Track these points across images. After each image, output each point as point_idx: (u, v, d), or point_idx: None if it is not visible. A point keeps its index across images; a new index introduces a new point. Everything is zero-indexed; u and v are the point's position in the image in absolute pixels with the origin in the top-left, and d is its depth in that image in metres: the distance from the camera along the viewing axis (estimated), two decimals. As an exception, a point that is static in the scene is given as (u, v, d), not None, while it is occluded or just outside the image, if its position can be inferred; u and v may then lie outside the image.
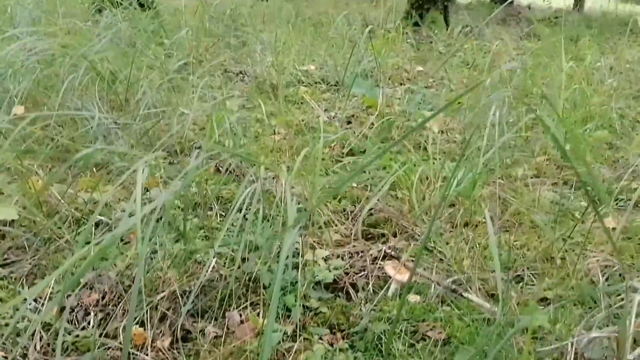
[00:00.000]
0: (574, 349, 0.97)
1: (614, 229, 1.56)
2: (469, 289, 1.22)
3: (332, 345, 1.10)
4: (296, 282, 1.20)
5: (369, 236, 1.54)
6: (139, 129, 2.11)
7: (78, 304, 1.32)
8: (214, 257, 1.23)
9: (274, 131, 2.33)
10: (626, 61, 4.38)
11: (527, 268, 1.36)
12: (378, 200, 1.62)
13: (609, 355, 0.99)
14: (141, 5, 4.46)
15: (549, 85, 3.10)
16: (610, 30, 5.70)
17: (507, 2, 10.27)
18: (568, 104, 2.65)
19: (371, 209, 1.63)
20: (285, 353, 1.08)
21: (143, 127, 2.12)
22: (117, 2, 3.87)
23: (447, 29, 5.78)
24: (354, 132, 2.53)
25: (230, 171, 1.93)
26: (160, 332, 1.17)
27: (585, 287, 1.22)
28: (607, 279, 1.33)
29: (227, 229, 1.41)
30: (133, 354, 1.11)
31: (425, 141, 2.37)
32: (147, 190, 1.79)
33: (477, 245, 1.44)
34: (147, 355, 1.10)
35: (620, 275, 1.34)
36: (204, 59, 3.70)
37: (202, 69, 3.41)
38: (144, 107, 2.23)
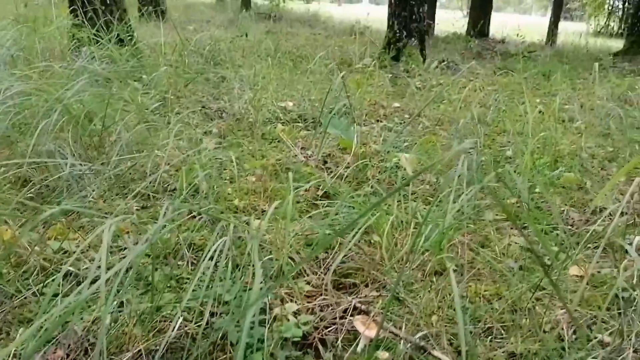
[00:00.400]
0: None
1: (581, 277, 1.58)
2: (438, 345, 1.22)
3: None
4: (265, 339, 1.19)
5: (340, 286, 1.54)
6: (113, 174, 2.10)
7: (43, 361, 1.29)
8: (181, 315, 1.22)
9: (248, 175, 2.34)
10: (597, 97, 4.50)
11: (497, 320, 1.37)
12: (350, 249, 1.62)
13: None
14: (121, 41, 4.49)
15: (521, 123, 3.17)
16: (582, 65, 5.86)
17: (483, 36, 10.54)
18: (539, 144, 2.70)
19: (344, 255, 1.64)
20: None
21: (117, 172, 2.11)
22: (94, 39, 3.88)
23: (423, 63, 5.90)
24: (330, 173, 2.55)
25: (203, 217, 1.93)
26: (125, 394, 1.15)
27: (552, 342, 1.23)
28: (574, 332, 1.34)
29: (198, 279, 1.40)
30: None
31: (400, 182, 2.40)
32: (118, 237, 1.77)
33: (448, 295, 1.45)
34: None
35: (588, 327, 1.36)
36: (183, 95, 3.72)
37: (179, 106, 3.42)
38: (119, 149, 2.23)
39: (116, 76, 3.17)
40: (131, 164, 2.23)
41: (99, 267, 1.04)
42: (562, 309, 1.38)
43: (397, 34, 6.18)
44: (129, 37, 4.63)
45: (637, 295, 1.30)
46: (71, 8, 4.85)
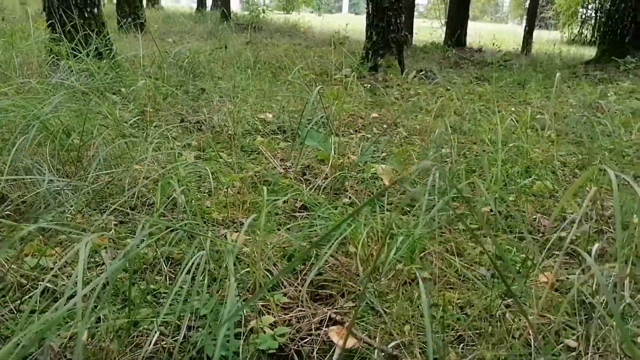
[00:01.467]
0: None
1: (551, 284, 1.63)
2: (411, 354, 1.26)
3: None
4: (240, 352, 1.22)
5: (317, 297, 1.57)
6: (91, 190, 2.10)
7: (19, 379, 1.30)
8: (157, 331, 1.24)
9: (226, 188, 2.36)
10: (570, 105, 4.61)
11: (468, 328, 1.41)
12: (327, 260, 1.66)
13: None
14: (99, 54, 4.49)
15: (495, 132, 3.24)
16: (556, 73, 5.98)
17: (460, 45, 10.72)
18: (511, 153, 2.77)
19: (320, 266, 1.67)
20: None
21: (95, 188, 2.12)
22: (72, 53, 3.88)
23: (401, 73, 5.98)
24: (309, 184, 2.58)
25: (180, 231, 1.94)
26: (103, 409, 1.16)
27: (520, 348, 1.27)
28: (544, 337, 1.39)
29: (175, 293, 1.41)
30: None
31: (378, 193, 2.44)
32: (96, 252, 1.78)
33: (422, 304, 1.48)
34: None
35: (555, 333, 1.40)
36: (162, 108, 3.73)
37: (158, 119, 3.43)
38: (97, 164, 2.24)
39: (94, 90, 3.17)
40: (109, 178, 2.24)
41: (76, 283, 1.05)
42: (530, 315, 1.43)
43: (375, 45, 6.26)
44: (108, 51, 4.63)
45: (602, 301, 1.34)
46: (49, 22, 4.84)
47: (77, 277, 1.06)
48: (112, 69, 4.08)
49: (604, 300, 1.42)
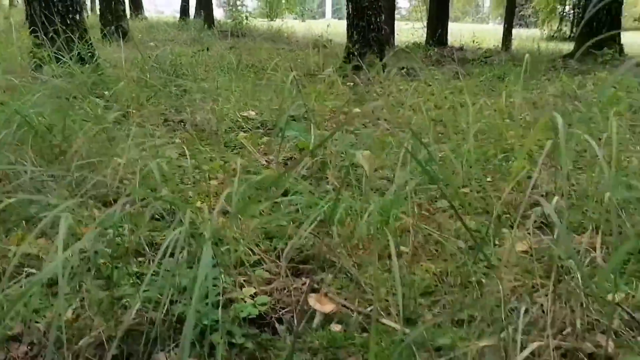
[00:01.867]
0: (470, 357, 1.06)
1: (525, 252, 1.68)
2: (388, 315, 1.30)
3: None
4: (222, 320, 1.25)
5: (298, 272, 1.60)
6: (73, 180, 2.12)
7: (6, 357, 1.32)
8: (139, 301, 1.26)
9: (208, 177, 2.39)
10: (548, 95, 4.69)
11: (446, 293, 1.45)
12: (306, 237, 1.69)
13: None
14: (82, 59, 4.50)
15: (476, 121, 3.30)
16: (535, 67, 6.09)
17: (442, 44, 10.84)
18: (489, 138, 2.83)
19: (301, 246, 1.71)
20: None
21: (77, 179, 2.14)
22: (55, 57, 3.90)
23: (383, 71, 6.05)
24: (291, 173, 2.62)
25: (163, 217, 1.98)
26: (87, 379, 1.18)
27: (492, 306, 1.32)
28: (517, 298, 1.43)
29: (157, 273, 1.44)
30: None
31: (357, 180, 2.48)
32: (79, 239, 1.80)
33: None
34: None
35: (529, 294, 1.45)
36: (145, 108, 3.75)
37: (142, 119, 3.45)
38: (79, 159, 2.26)
39: (77, 90, 3.19)
40: (91, 170, 2.26)
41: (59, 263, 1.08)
42: (508, 280, 1.47)
43: (357, 44, 6.33)
44: (90, 55, 4.65)
45: (572, 264, 1.40)
46: (31, 28, 4.85)
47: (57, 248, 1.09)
48: (94, 72, 4.10)
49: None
